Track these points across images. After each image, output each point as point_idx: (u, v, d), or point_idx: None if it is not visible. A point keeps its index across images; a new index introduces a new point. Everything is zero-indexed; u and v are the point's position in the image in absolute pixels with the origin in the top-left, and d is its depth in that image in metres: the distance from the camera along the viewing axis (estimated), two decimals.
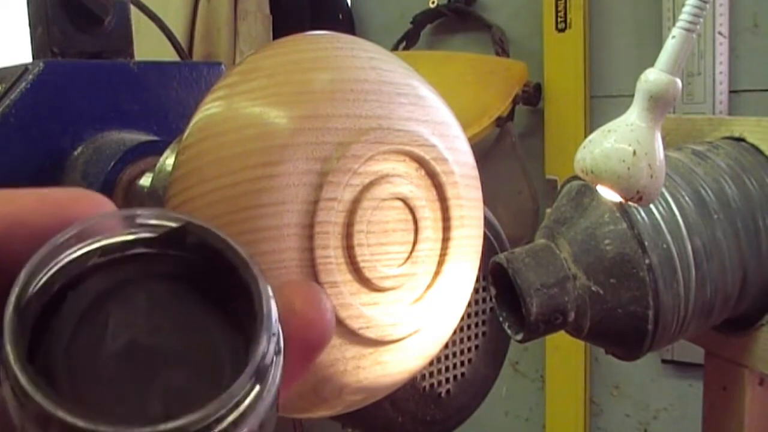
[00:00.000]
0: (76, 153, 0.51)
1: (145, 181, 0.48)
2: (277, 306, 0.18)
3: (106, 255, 0.18)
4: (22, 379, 0.15)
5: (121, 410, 0.16)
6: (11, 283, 0.16)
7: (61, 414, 0.15)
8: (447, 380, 0.51)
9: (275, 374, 0.17)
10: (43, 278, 0.17)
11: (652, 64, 0.39)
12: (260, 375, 0.17)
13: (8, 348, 0.15)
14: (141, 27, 0.68)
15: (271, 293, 0.18)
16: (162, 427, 0.15)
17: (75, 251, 0.18)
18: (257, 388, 0.17)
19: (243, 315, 0.17)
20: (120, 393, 0.16)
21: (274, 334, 0.17)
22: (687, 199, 0.50)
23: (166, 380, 0.17)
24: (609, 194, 0.40)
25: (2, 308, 0.16)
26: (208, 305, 0.18)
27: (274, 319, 0.17)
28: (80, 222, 0.18)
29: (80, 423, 0.15)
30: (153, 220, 0.18)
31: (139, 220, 0.18)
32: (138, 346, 0.17)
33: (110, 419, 0.15)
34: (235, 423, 0.16)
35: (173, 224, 0.18)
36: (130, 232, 0.18)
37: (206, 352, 0.17)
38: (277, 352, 0.18)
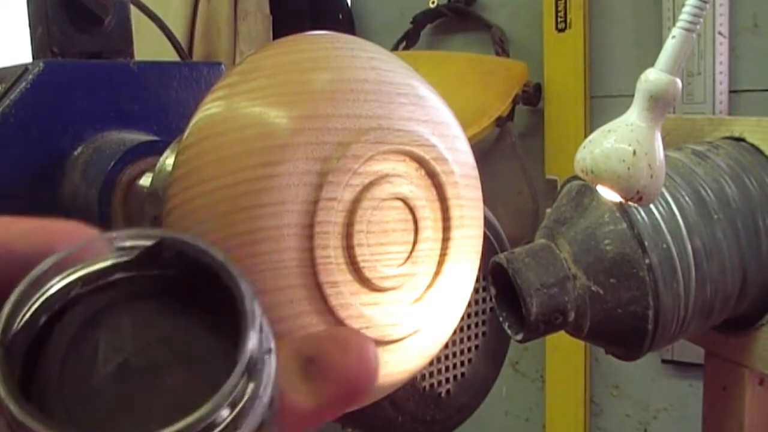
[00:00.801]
0: (76, 153, 0.51)
1: (145, 181, 0.48)
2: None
3: (87, 285, 0.18)
4: (15, 411, 0.15)
5: (117, 429, 0.16)
6: None
7: None
8: (447, 380, 0.51)
9: (269, 372, 0.17)
10: (27, 312, 0.17)
11: (652, 64, 0.39)
12: (252, 372, 0.17)
13: None
14: (141, 27, 0.68)
15: (252, 291, 0.18)
16: None
17: (56, 283, 0.18)
18: (251, 385, 0.17)
19: (229, 318, 0.18)
20: (116, 414, 0.17)
21: (261, 332, 0.17)
22: (687, 199, 0.50)
23: (162, 394, 0.17)
24: (609, 194, 0.40)
25: None
26: (195, 315, 0.18)
27: (258, 317, 0.17)
28: (58, 253, 0.18)
29: None
30: (128, 242, 0.19)
31: (115, 243, 0.19)
32: (130, 368, 0.17)
33: None
34: (234, 422, 0.16)
35: (147, 243, 0.19)
36: (109, 257, 0.18)
37: (198, 360, 0.18)
38: (267, 351, 0.18)
